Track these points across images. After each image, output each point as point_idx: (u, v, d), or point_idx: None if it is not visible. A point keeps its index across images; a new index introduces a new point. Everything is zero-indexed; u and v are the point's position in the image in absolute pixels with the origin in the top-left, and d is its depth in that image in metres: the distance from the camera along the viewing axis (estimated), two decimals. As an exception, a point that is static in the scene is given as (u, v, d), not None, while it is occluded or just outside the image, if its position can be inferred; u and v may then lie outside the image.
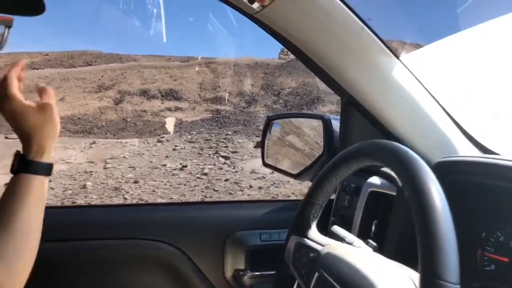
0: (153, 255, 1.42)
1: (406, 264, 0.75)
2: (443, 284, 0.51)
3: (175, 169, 10.12)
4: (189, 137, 13.82)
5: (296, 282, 0.95)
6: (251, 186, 8.69)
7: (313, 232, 0.91)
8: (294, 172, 1.58)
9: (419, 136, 1.11)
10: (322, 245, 0.85)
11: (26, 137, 0.88)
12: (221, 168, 10.27)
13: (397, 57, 1.10)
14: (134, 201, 7.85)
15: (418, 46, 1.08)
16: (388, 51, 1.08)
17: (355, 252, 0.80)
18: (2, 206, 0.83)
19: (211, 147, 12.32)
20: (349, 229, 1.20)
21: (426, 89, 1.11)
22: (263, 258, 1.44)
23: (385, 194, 1.14)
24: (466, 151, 1.11)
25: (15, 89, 0.87)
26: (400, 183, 1.05)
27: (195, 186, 8.84)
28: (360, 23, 1.01)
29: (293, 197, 7.50)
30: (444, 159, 0.94)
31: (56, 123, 0.91)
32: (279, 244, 1.44)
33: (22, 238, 0.82)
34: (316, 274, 0.79)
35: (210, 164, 10.53)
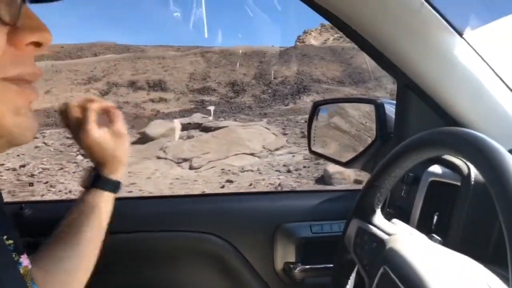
0: (201, 247, 1.40)
1: (472, 258, 0.69)
2: None
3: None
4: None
5: (356, 268, 0.90)
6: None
7: (378, 218, 0.86)
8: (344, 160, 1.51)
9: (486, 122, 1.02)
10: (388, 234, 0.79)
11: (101, 161, 0.94)
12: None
13: (461, 34, 1.00)
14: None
15: (484, 22, 0.98)
16: (450, 28, 0.98)
17: (425, 247, 0.73)
18: (73, 217, 0.89)
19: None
20: (407, 221, 1.12)
21: (493, 70, 1.01)
22: (314, 250, 1.39)
23: (448, 184, 1.05)
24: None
25: (93, 123, 0.91)
26: (465, 172, 0.97)
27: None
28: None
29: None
30: None
31: (127, 145, 0.96)
32: (331, 236, 1.40)
33: (86, 253, 0.88)
34: (381, 270, 0.73)
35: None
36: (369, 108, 1.50)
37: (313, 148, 1.68)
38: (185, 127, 14.60)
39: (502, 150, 0.56)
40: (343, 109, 1.72)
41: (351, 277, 0.92)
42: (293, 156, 11.41)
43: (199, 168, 10.96)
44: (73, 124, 0.92)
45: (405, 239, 0.77)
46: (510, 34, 1.04)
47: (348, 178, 9.31)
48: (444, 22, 0.97)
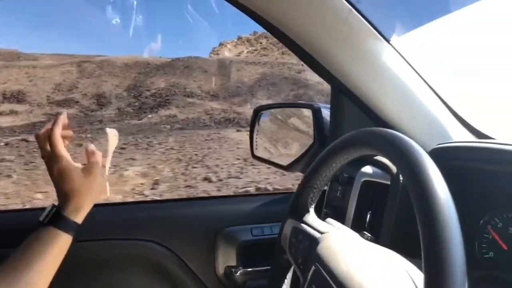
0: (141, 255, 1.37)
1: (401, 254, 0.71)
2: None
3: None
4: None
5: (292, 268, 0.91)
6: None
7: (312, 217, 0.87)
8: (285, 163, 1.54)
9: (412, 123, 1.08)
10: (321, 233, 0.81)
11: (66, 195, 0.88)
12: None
13: (388, 41, 1.05)
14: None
15: (409, 28, 1.04)
16: (378, 35, 1.03)
17: (354, 244, 0.76)
18: (23, 253, 0.82)
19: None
20: (342, 220, 1.16)
21: (418, 74, 1.07)
22: (256, 253, 1.40)
23: (379, 184, 1.10)
24: (460, 137, 1.08)
25: (62, 148, 0.87)
26: (395, 172, 1.02)
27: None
28: (348, 5, 0.97)
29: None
30: (440, 145, 0.91)
31: (99, 186, 0.91)
32: (271, 239, 1.42)
33: (34, 283, 0.82)
34: (313, 267, 0.75)
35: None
36: (308, 113, 1.54)
37: (256, 153, 1.70)
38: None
39: (419, 150, 0.59)
40: (284, 114, 1.76)
41: (287, 277, 0.94)
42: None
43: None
44: (46, 152, 0.89)
45: (336, 236, 0.79)
46: (433, 39, 1.12)
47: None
48: (373, 29, 1.02)
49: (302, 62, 1.14)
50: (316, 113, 1.41)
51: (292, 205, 0.90)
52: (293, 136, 1.71)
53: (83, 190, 0.88)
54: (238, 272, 1.38)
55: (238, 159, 10.01)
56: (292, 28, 1.02)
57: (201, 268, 1.40)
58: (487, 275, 0.88)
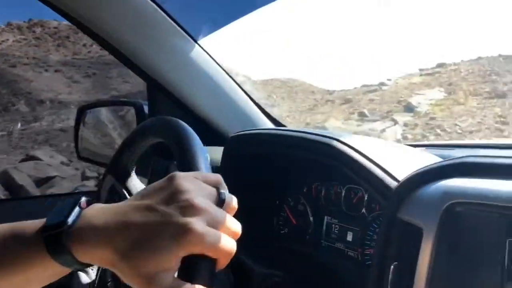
0: None
1: None
2: None
3: None
4: None
5: None
6: None
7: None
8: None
9: (220, 114, 1.18)
10: None
11: None
12: None
13: (195, 40, 1.14)
14: None
15: (217, 27, 1.11)
16: (185, 34, 1.11)
17: None
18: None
19: None
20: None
21: (224, 69, 1.18)
22: None
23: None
24: (262, 125, 1.22)
25: None
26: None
27: None
28: (153, 5, 1.02)
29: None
30: (237, 133, 1.00)
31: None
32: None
33: None
34: None
35: None
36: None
37: (81, 154, 1.64)
38: None
39: (191, 131, 0.60)
40: (108, 112, 1.74)
41: None
42: None
43: None
44: None
45: None
46: (241, 35, 1.24)
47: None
48: (179, 29, 1.09)
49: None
50: (139, 110, 1.43)
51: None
52: (118, 133, 1.71)
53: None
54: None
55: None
56: (101, 26, 1.04)
57: None
58: (284, 246, 1.01)
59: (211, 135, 1.19)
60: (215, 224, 0.40)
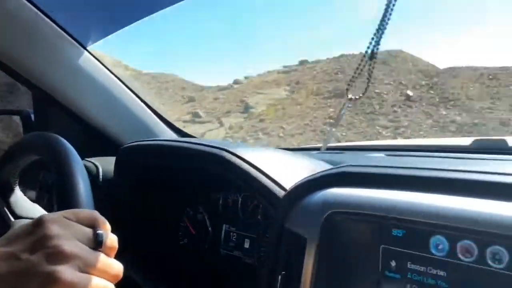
0: None
1: None
2: None
3: None
4: None
5: None
6: None
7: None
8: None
9: (114, 123, 1.13)
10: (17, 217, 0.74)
11: None
12: None
13: (84, 47, 1.08)
14: None
15: (106, 33, 1.06)
16: (73, 41, 1.05)
17: None
18: None
19: None
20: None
21: (117, 77, 1.13)
22: None
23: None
24: (161, 134, 1.19)
25: None
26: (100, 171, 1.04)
27: None
28: (35, 9, 0.95)
29: None
30: (128, 144, 0.96)
31: None
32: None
33: None
34: None
35: None
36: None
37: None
38: None
39: (69, 148, 0.60)
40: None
41: None
42: None
43: None
44: None
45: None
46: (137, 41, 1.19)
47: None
48: (66, 36, 1.03)
49: None
50: (26, 119, 1.33)
51: None
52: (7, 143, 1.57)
53: None
54: None
55: None
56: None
57: None
58: (183, 257, 0.98)
59: (106, 145, 1.14)
60: (88, 269, 0.37)
